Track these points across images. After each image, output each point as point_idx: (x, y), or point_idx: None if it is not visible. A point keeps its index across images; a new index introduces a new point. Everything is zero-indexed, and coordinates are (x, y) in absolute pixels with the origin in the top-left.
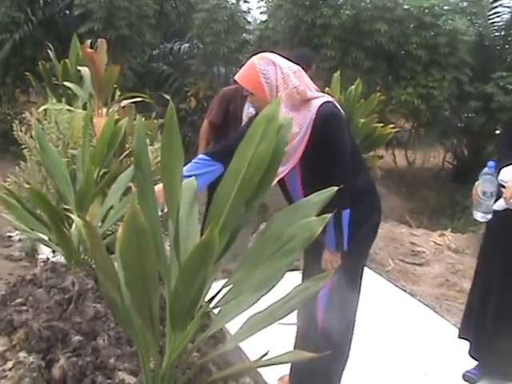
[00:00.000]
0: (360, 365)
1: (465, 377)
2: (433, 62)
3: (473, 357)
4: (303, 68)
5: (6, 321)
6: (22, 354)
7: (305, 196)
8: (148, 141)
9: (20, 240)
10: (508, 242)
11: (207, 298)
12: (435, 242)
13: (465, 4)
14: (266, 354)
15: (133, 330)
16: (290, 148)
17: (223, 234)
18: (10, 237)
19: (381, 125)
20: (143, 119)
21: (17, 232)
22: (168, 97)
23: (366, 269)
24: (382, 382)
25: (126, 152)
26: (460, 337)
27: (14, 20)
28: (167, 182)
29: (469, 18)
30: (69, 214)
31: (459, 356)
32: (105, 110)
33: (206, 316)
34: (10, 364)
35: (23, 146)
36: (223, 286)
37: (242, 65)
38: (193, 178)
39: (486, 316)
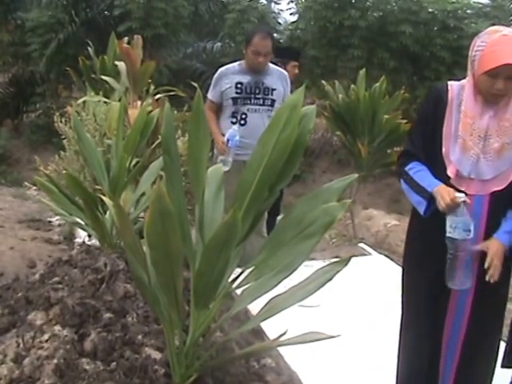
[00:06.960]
0: (362, 345)
1: None
2: (456, 64)
3: None
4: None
5: (43, 297)
6: (57, 328)
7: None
8: (180, 132)
9: (59, 225)
10: None
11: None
12: None
13: (488, 9)
14: (284, 334)
15: (159, 308)
16: None
17: (247, 216)
18: (50, 222)
19: (405, 121)
20: (175, 112)
21: (56, 217)
22: (195, 84)
23: (388, 261)
24: (383, 357)
25: (158, 141)
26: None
27: (60, 21)
28: (193, 165)
29: (491, 22)
30: (101, 196)
31: None
32: (139, 102)
33: (228, 296)
34: (46, 336)
35: (63, 137)
36: (246, 268)
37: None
38: (220, 164)
39: None
